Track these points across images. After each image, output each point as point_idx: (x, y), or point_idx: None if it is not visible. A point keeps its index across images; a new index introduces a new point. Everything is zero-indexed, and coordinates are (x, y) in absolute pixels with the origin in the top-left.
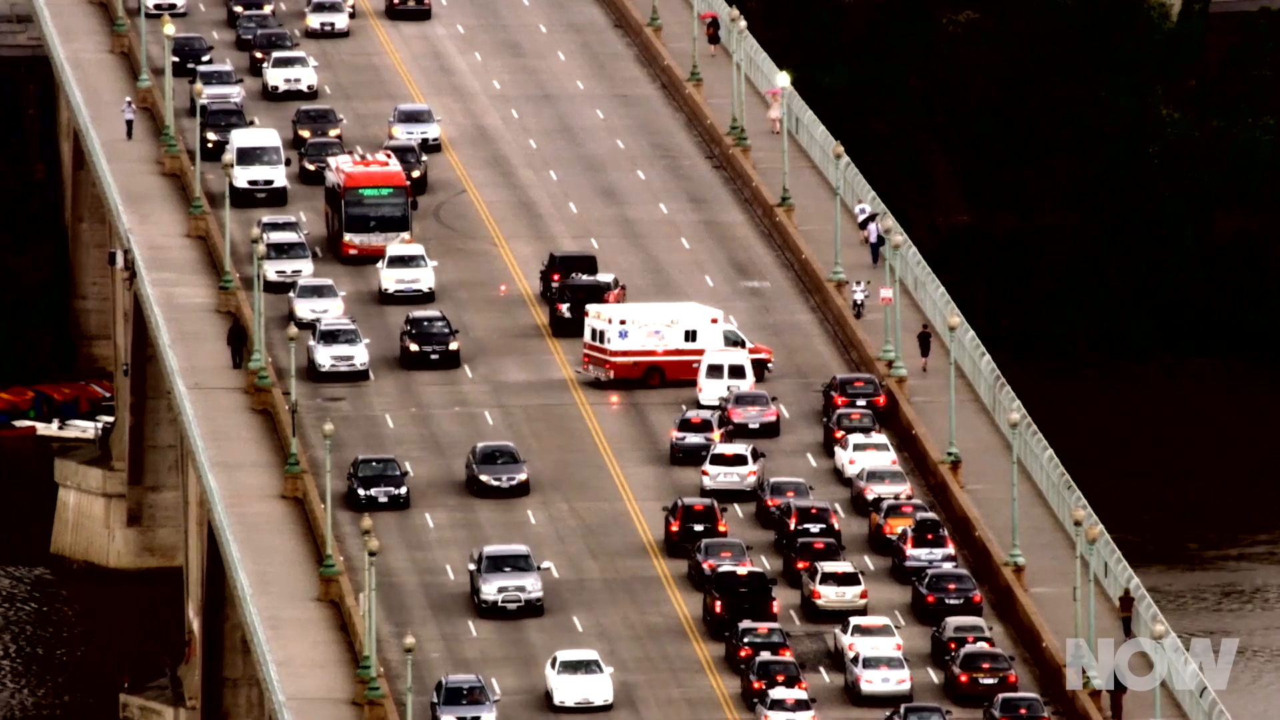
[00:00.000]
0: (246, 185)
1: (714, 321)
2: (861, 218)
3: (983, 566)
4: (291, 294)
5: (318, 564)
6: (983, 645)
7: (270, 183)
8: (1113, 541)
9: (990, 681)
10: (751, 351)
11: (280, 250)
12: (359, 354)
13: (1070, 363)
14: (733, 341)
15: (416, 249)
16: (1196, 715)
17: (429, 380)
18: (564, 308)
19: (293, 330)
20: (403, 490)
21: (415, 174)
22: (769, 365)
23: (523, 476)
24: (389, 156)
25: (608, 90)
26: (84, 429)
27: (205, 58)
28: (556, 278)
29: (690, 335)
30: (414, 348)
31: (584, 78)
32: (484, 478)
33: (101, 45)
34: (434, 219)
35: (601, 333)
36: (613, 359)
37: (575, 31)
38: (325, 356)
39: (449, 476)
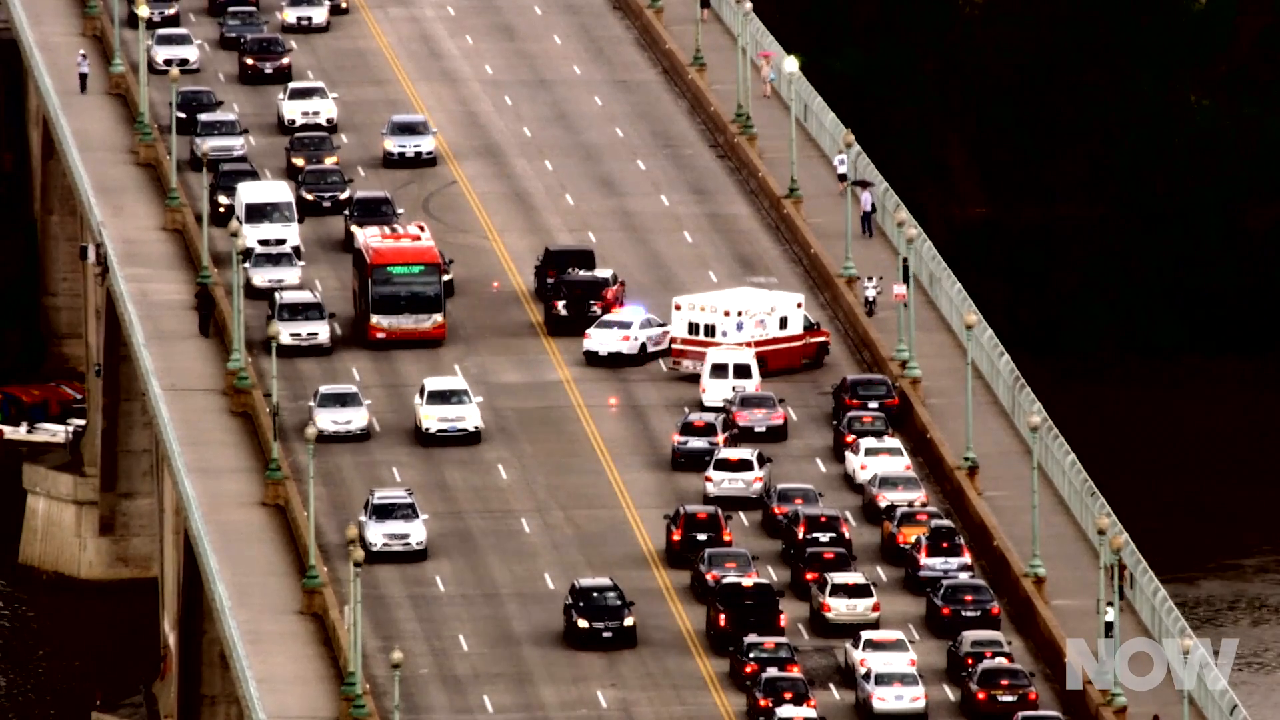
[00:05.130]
0: (256, 246)
1: (799, 306)
2: (841, 169)
3: (1001, 577)
4: (312, 403)
5: (300, 575)
6: (1001, 660)
7: (282, 242)
8: (1138, 551)
9: (1009, 699)
10: (813, 335)
11: (293, 311)
12: (415, 531)
13: (1093, 362)
14: (808, 326)
15: (459, 383)
16: None
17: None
18: (560, 305)
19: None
20: None
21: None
22: (827, 347)
23: None
24: (421, 229)
25: (606, 75)
26: (54, 432)
27: (210, 115)
28: (552, 273)
29: (783, 322)
30: (583, 624)
31: (581, 62)
32: None
33: (72, 28)
34: (423, 211)
35: (709, 326)
36: None
37: (572, 13)
38: (378, 535)
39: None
